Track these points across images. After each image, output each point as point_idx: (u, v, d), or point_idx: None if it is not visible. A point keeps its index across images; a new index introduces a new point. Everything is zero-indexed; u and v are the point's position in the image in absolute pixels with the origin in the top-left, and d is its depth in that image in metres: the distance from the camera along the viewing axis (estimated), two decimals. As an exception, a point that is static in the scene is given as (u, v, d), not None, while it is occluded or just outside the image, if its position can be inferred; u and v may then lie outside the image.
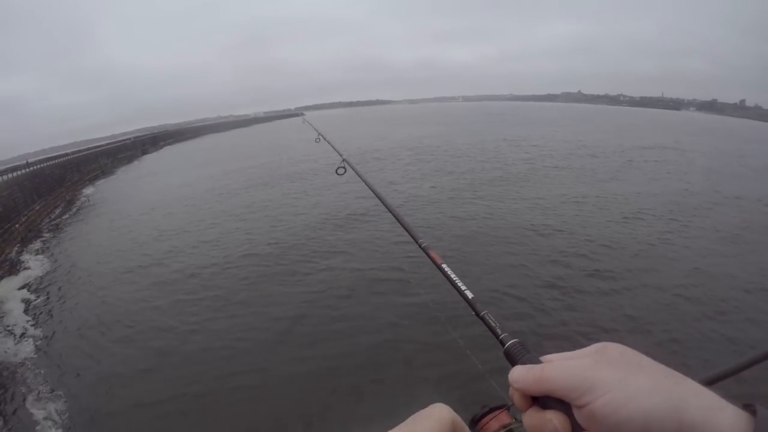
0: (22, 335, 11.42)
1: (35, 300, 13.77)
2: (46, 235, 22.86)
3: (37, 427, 7.97)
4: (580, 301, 10.75)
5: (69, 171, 40.25)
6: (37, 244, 20.91)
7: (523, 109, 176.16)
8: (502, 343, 0.79)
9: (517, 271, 12.49)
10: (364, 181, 2.54)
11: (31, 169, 32.70)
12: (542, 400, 0.64)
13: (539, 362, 0.67)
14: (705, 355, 8.54)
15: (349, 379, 8.31)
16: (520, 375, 0.66)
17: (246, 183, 30.40)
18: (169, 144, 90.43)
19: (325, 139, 4.55)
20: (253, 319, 10.73)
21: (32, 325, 11.96)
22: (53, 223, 25.89)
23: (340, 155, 3.39)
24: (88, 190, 37.60)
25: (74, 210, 29.43)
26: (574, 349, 0.66)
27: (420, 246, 1.51)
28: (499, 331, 0.84)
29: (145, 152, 72.52)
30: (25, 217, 24.68)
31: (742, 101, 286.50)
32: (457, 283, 1.09)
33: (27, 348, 10.72)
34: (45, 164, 36.33)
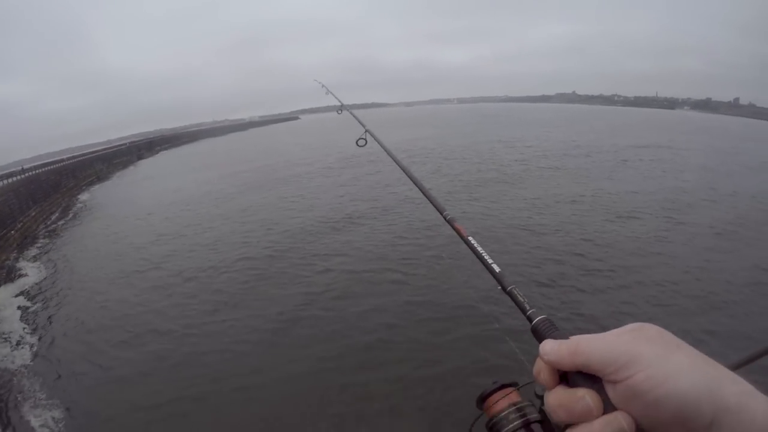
0: (19, 342, 11.38)
1: (32, 307, 13.73)
2: (42, 241, 22.78)
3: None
4: (575, 299, 10.83)
5: (64, 177, 40.18)
6: (33, 251, 20.85)
7: (517, 111, 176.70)
8: (530, 319, 0.78)
9: (512, 269, 12.55)
10: (387, 152, 2.45)
11: (27, 175, 32.66)
12: (572, 378, 0.63)
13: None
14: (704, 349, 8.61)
15: (345, 379, 8.36)
16: (553, 347, 0.65)
17: (242, 186, 30.42)
18: (165, 149, 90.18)
19: (349, 111, 4.46)
20: (251, 321, 10.76)
21: (29, 333, 11.91)
22: (49, 229, 25.81)
23: (363, 126, 3.32)
24: (84, 196, 37.50)
25: (70, 215, 29.35)
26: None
27: (445, 218, 1.46)
28: (527, 307, 0.82)
29: (140, 157, 72.36)
30: (21, 224, 24.62)
31: (736, 99, 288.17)
32: (483, 257, 1.06)
33: (24, 355, 10.69)
34: (40, 170, 36.26)
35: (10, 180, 29.32)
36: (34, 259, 19.43)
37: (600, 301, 10.80)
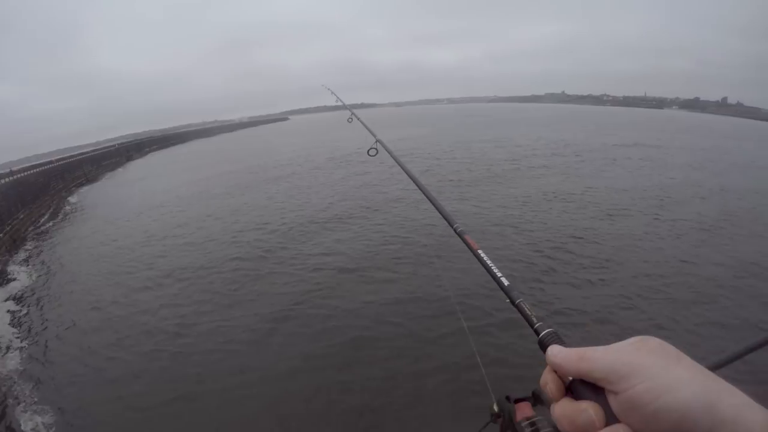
0: (8, 347, 11.28)
1: (22, 311, 13.61)
2: (32, 243, 22.61)
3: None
4: (566, 294, 10.93)
5: (53, 178, 39.79)
6: (22, 254, 20.67)
7: (507, 111, 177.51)
8: (537, 332, 0.80)
9: (502, 264, 12.62)
10: (398, 163, 2.49)
11: (15, 177, 32.33)
12: (576, 390, 0.65)
13: None
14: (694, 341, 8.78)
15: (338, 377, 8.41)
16: (560, 352, 0.67)
17: (232, 187, 30.38)
18: (154, 150, 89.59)
19: (358, 119, 4.46)
20: (243, 320, 10.77)
21: (18, 337, 11.80)
22: (38, 231, 25.59)
23: (374, 135, 3.33)
24: (74, 198, 37.22)
25: (60, 218, 29.12)
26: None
27: (455, 231, 1.47)
28: (534, 320, 0.84)
29: (129, 159, 71.84)
30: (10, 227, 24.39)
31: (725, 99, 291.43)
32: (493, 270, 1.10)
33: (14, 360, 10.59)
34: (29, 172, 35.88)
35: (-2, 182, 29.04)
36: (24, 262, 19.26)
37: (589, 294, 10.94)
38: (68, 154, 56.73)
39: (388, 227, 16.99)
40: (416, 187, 2.04)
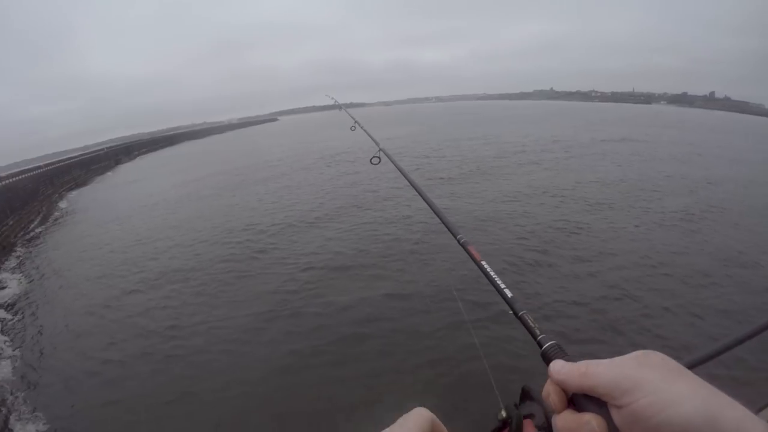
0: (0, 355, 11.21)
1: (13, 319, 13.46)
2: (22, 250, 22.38)
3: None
4: (559, 285, 11.04)
5: (42, 184, 39.46)
6: (12, 261, 20.48)
7: (496, 108, 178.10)
8: (540, 345, 0.80)
9: (493, 259, 12.72)
10: (401, 171, 2.47)
11: (3, 183, 32.05)
12: (578, 402, 0.64)
13: None
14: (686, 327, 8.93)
15: (331, 372, 8.46)
16: (563, 367, 0.67)
17: (222, 188, 30.30)
18: (144, 153, 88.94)
19: (361, 127, 4.47)
20: (236, 321, 10.77)
21: (10, 345, 11.69)
22: (28, 237, 25.36)
23: (377, 144, 3.34)
24: (63, 203, 36.87)
25: (50, 223, 28.83)
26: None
27: (459, 242, 1.42)
28: (537, 332, 0.84)
29: (119, 162, 71.25)
30: (-1, 233, 24.25)
31: (712, 93, 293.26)
32: (496, 281, 1.08)
33: (5, 369, 10.46)
34: (17, 178, 35.57)
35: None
36: (15, 269, 19.06)
37: (580, 286, 11.06)
38: (56, 159, 56.27)
39: (378, 225, 17.05)
40: (418, 194, 2.04)
